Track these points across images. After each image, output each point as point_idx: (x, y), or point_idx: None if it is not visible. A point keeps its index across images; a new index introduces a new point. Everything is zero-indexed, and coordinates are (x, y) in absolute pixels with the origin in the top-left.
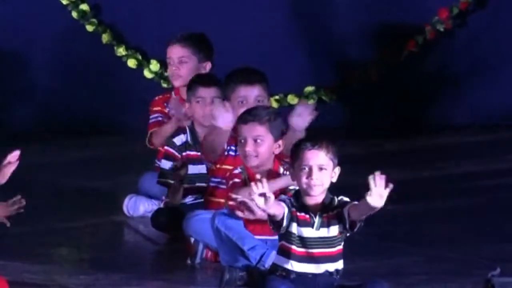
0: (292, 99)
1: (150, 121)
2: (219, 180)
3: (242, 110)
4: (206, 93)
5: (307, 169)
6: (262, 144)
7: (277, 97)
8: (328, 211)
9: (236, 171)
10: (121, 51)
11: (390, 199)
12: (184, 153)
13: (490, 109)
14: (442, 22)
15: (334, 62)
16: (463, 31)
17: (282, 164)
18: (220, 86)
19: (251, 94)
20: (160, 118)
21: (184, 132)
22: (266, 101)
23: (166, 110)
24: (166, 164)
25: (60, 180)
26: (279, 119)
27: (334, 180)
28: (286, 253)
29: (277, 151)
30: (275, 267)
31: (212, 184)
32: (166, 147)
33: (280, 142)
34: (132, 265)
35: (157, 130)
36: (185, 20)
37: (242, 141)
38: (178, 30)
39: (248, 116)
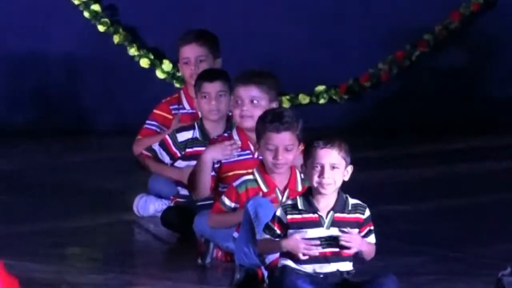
0: (303, 98)
1: (144, 125)
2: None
3: (238, 110)
4: (211, 88)
5: (319, 167)
6: (292, 152)
7: (288, 96)
8: (343, 212)
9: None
10: (133, 51)
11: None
12: (191, 149)
13: (500, 108)
14: (454, 22)
15: (345, 61)
16: (474, 31)
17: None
18: (226, 80)
19: (246, 94)
20: (153, 128)
21: (191, 129)
22: (263, 102)
23: (171, 114)
24: (159, 151)
25: (70, 180)
26: (301, 122)
27: (347, 178)
28: (292, 255)
29: (298, 154)
30: (286, 267)
31: (221, 189)
32: (167, 136)
33: (300, 145)
34: (143, 264)
35: (143, 139)
36: (196, 19)
37: (273, 149)
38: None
39: (280, 125)
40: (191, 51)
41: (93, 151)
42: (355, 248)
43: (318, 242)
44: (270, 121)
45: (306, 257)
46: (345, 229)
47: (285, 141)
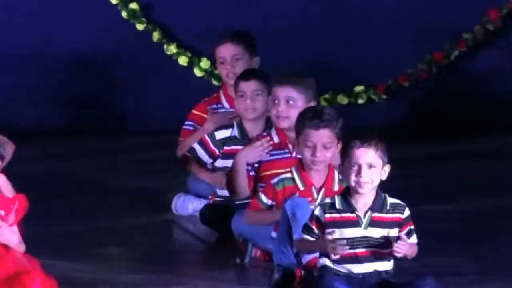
0: (341, 98)
1: (183, 126)
2: (264, 185)
3: (275, 110)
4: (246, 86)
5: (356, 167)
6: (330, 150)
7: (326, 96)
8: (381, 211)
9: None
10: (171, 49)
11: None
12: (229, 147)
13: None
14: (492, 22)
15: (384, 61)
16: None
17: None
18: (263, 80)
19: (282, 94)
20: (191, 128)
21: (230, 127)
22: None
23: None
24: (199, 150)
25: (109, 179)
26: (341, 121)
27: (384, 178)
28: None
29: (336, 153)
30: (325, 267)
31: (259, 189)
32: (206, 135)
33: (339, 144)
34: (181, 264)
35: (184, 141)
36: (233, 18)
37: (311, 146)
38: (227, 28)
39: (320, 123)
40: (226, 51)
41: (131, 150)
42: (403, 254)
43: (344, 242)
44: (310, 118)
45: (337, 257)
46: (385, 233)
47: (323, 138)
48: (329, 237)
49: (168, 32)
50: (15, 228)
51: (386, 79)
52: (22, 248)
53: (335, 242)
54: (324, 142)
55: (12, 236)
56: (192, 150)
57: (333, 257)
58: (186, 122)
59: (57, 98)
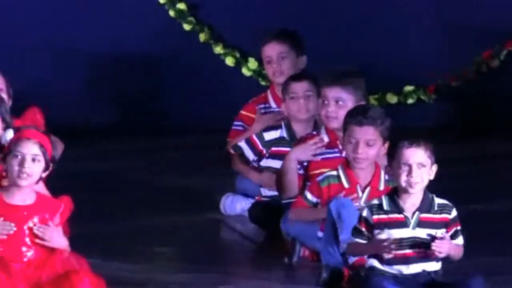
0: (391, 98)
1: (232, 127)
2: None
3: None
4: (298, 88)
5: (406, 167)
6: (373, 148)
7: (376, 96)
8: (428, 212)
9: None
10: (218, 49)
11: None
12: (276, 148)
13: None
14: None
15: (434, 61)
16: None
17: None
18: (313, 81)
19: (331, 94)
20: (240, 128)
21: (279, 128)
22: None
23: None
24: (246, 149)
25: (156, 178)
26: (389, 121)
27: (432, 177)
28: (377, 256)
29: (382, 153)
30: (373, 268)
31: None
32: (254, 136)
33: (386, 144)
34: (230, 263)
35: (232, 141)
36: (282, 17)
37: (354, 142)
38: (276, 28)
39: (363, 119)
40: (271, 50)
41: (179, 150)
42: (444, 254)
43: (394, 241)
44: (354, 115)
45: (390, 256)
46: (433, 233)
47: (367, 135)
48: (380, 237)
49: (215, 32)
50: (60, 230)
51: (436, 79)
52: (67, 250)
53: (388, 241)
54: (367, 139)
55: (61, 239)
56: (238, 148)
57: (386, 256)
58: (235, 123)
59: (105, 97)
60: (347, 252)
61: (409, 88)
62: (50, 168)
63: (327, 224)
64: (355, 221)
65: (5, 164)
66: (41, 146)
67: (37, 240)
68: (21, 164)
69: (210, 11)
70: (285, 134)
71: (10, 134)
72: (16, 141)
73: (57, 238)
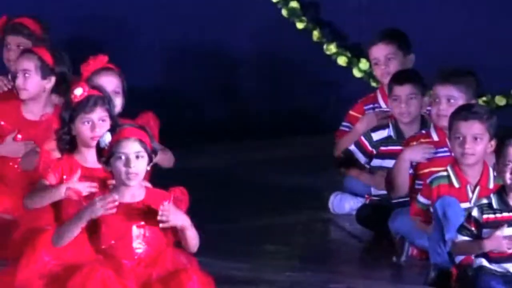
0: (500, 100)
1: (340, 127)
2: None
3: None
4: (401, 91)
5: (511, 164)
6: (480, 143)
7: (484, 98)
8: None
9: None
10: (331, 48)
11: None
12: (385, 147)
13: None
14: None
15: None
16: None
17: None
18: (417, 82)
19: (443, 92)
20: (347, 129)
21: (386, 127)
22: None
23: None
24: (356, 152)
25: (266, 178)
26: (495, 118)
27: None
28: (485, 255)
29: (489, 151)
30: (482, 267)
31: (417, 187)
32: (362, 137)
33: (492, 142)
34: (339, 262)
35: (339, 142)
36: (389, 18)
37: (461, 138)
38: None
39: (468, 114)
40: (379, 51)
41: (289, 149)
42: None
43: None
44: (459, 111)
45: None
46: None
47: (472, 129)
48: (500, 233)
49: (328, 31)
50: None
51: None
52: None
53: (509, 238)
54: (473, 133)
55: (181, 216)
56: (348, 152)
57: (510, 251)
58: (343, 123)
59: (218, 96)
60: (452, 250)
61: None
62: (154, 160)
63: (435, 223)
64: (461, 220)
65: (109, 167)
66: (141, 141)
67: (161, 225)
68: (127, 164)
69: (323, 9)
70: (392, 133)
71: (108, 137)
72: (116, 142)
73: (178, 216)
